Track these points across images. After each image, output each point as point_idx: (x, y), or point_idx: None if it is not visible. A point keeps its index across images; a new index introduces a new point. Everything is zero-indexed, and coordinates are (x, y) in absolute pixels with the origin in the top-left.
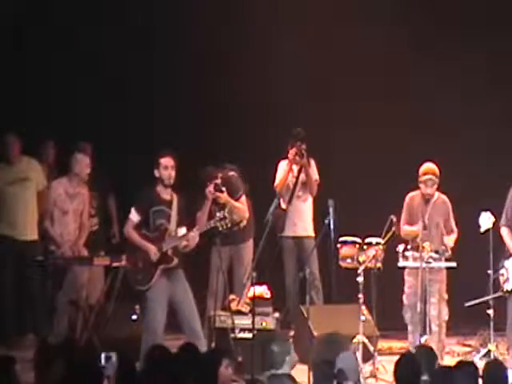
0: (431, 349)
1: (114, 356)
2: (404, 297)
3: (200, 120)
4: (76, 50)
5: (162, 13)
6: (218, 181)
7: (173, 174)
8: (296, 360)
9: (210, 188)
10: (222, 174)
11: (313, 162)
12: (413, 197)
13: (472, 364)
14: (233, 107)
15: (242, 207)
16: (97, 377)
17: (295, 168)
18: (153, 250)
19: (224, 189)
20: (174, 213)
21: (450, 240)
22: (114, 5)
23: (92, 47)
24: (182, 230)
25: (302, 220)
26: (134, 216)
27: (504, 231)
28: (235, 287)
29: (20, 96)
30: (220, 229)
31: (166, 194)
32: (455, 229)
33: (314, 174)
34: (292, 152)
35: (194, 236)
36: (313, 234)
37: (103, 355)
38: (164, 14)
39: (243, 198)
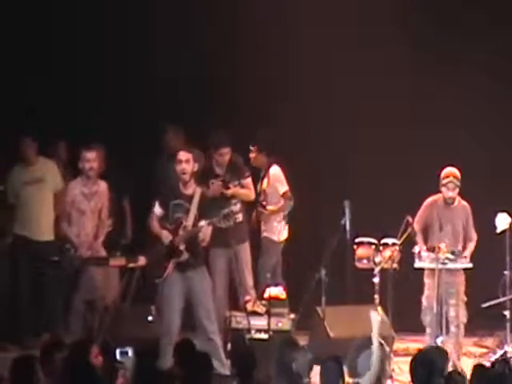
0: (445, 351)
1: (130, 351)
2: (423, 299)
3: (201, 120)
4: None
5: (162, 9)
6: (220, 180)
7: (187, 167)
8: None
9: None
10: (231, 156)
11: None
12: (434, 201)
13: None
14: (232, 107)
15: (247, 192)
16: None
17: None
18: (164, 234)
19: (231, 185)
20: (193, 207)
21: (469, 251)
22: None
23: (92, 44)
24: (203, 223)
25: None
26: (157, 209)
27: None
28: (237, 288)
29: (34, 97)
30: (224, 226)
31: (186, 188)
32: (474, 236)
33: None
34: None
35: (204, 227)
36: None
37: (118, 351)
38: (164, 11)
39: (249, 178)
